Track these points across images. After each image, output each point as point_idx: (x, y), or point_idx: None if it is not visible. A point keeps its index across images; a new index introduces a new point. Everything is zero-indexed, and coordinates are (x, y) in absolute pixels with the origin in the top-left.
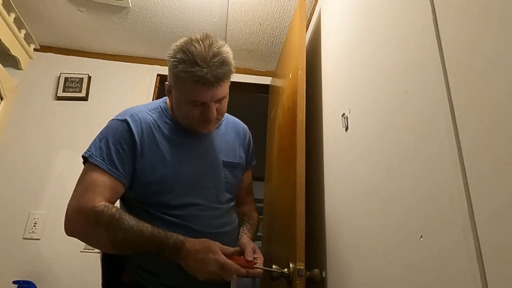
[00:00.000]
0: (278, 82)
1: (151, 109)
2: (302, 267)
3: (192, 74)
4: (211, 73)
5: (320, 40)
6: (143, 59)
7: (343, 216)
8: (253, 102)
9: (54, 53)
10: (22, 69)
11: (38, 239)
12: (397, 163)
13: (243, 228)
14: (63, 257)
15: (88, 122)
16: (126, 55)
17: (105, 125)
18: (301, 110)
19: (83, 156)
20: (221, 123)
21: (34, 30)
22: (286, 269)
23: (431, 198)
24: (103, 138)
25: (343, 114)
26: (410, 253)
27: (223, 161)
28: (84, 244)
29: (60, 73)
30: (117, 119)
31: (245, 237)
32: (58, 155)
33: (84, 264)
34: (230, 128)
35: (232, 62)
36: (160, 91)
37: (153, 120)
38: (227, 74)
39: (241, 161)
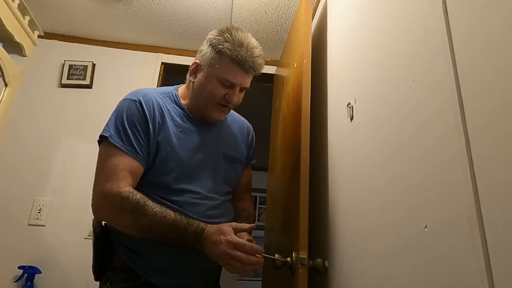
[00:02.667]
0: (283, 72)
1: (162, 93)
2: (305, 256)
3: (237, 53)
4: (251, 59)
5: (326, 29)
6: (147, 47)
7: (347, 206)
8: (257, 91)
9: (59, 40)
10: (26, 56)
11: (43, 226)
12: (402, 153)
13: (241, 221)
14: (67, 243)
15: (93, 110)
16: (131, 42)
17: (118, 104)
18: (306, 99)
19: (101, 135)
20: (226, 117)
21: (38, 17)
22: (288, 258)
23: (437, 188)
24: (119, 118)
25: (348, 104)
26: (414, 243)
27: (224, 154)
28: (89, 230)
29: (64, 60)
30: (130, 99)
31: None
32: (62, 142)
33: (89, 250)
34: (235, 124)
35: (264, 61)
36: (164, 80)
37: (163, 104)
38: (261, 66)
39: (242, 157)
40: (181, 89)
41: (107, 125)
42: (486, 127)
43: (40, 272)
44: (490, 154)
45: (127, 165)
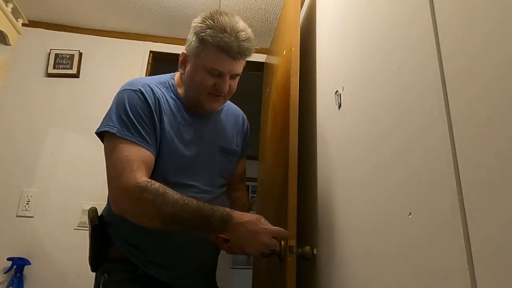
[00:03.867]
0: (273, 60)
1: (159, 83)
2: (294, 244)
3: (219, 39)
4: (237, 43)
5: (315, 16)
6: (135, 35)
7: (335, 193)
8: (247, 80)
9: (44, 28)
10: (10, 45)
11: (32, 217)
12: (387, 140)
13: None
14: (56, 235)
15: (80, 100)
16: (118, 31)
17: (117, 95)
18: (295, 87)
19: (107, 132)
20: (222, 108)
21: (21, 5)
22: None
23: (420, 175)
24: (122, 110)
25: (336, 91)
26: (399, 230)
27: (220, 146)
28: (78, 221)
29: (50, 49)
30: (130, 89)
31: None
32: (50, 132)
33: (78, 241)
34: (230, 115)
35: (254, 44)
36: (152, 68)
37: (161, 94)
38: (250, 50)
39: (237, 148)
40: (177, 77)
41: (109, 119)
42: (469, 113)
43: (30, 264)
44: (472, 140)
45: (139, 156)
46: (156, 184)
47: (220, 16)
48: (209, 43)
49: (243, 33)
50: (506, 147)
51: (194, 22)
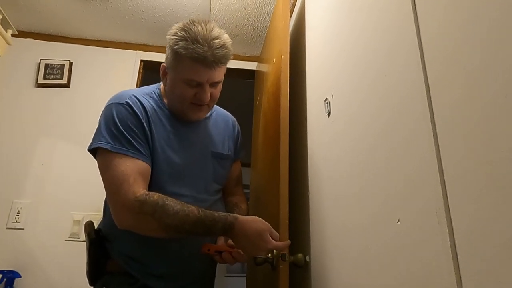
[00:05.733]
0: (263, 67)
1: (145, 94)
2: (286, 252)
3: (192, 51)
4: (211, 52)
5: (304, 25)
6: (126, 44)
7: (326, 201)
8: (239, 88)
9: (34, 38)
10: (0, 55)
11: (22, 229)
12: (376, 147)
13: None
14: (47, 246)
15: (71, 110)
16: (109, 40)
17: (104, 110)
18: (285, 95)
19: (101, 148)
20: (211, 114)
21: (11, 15)
22: (270, 254)
23: (408, 182)
24: (112, 124)
25: (326, 99)
26: (388, 236)
27: (212, 151)
28: (69, 232)
29: (40, 60)
30: (117, 103)
31: None
32: (40, 143)
33: (69, 252)
34: (220, 119)
35: (231, 48)
36: (144, 78)
37: (149, 105)
38: (226, 57)
39: (230, 152)
40: (162, 87)
41: (100, 135)
42: (453, 119)
43: (20, 276)
44: (457, 145)
45: (135, 168)
46: (155, 196)
47: (192, 25)
48: (182, 55)
49: (217, 40)
50: (491, 151)
51: (167, 35)
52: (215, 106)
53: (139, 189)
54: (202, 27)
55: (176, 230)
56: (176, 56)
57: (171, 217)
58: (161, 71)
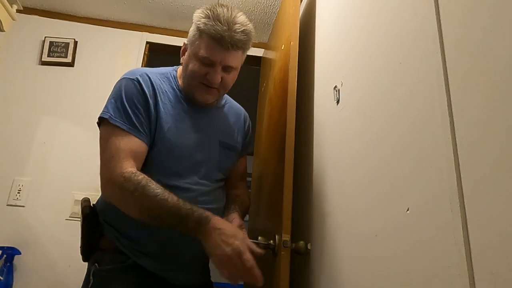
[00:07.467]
0: (270, 54)
1: (160, 74)
2: (288, 239)
3: (211, 27)
4: (229, 33)
5: (314, 10)
6: (132, 25)
7: (330, 189)
8: (245, 75)
9: (39, 15)
10: (4, 31)
11: (23, 206)
12: (387, 136)
13: (234, 206)
14: (48, 224)
15: (74, 89)
16: (115, 20)
17: (116, 84)
18: (293, 81)
19: (100, 117)
20: (224, 104)
21: None
22: (271, 241)
23: (419, 170)
24: (118, 98)
25: (335, 87)
26: (396, 226)
27: (220, 140)
28: (70, 212)
29: (45, 37)
30: (128, 78)
31: (235, 214)
32: (43, 121)
33: (69, 231)
34: (232, 112)
35: (251, 38)
36: (149, 59)
37: (161, 85)
38: (244, 43)
39: (238, 145)
40: (179, 69)
41: (106, 106)
42: (472, 109)
43: (20, 253)
44: (475, 135)
45: (129, 145)
46: (140, 176)
47: (219, 7)
48: (201, 30)
49: (238, 25)
50: (509, 142)
51: (195, 13)
52: (229, 98)
53: (127, 166)
54: (227, 10)
55: (149, 214)
56: (197, 32)
57: (149, 198)
58: (182, 48)
